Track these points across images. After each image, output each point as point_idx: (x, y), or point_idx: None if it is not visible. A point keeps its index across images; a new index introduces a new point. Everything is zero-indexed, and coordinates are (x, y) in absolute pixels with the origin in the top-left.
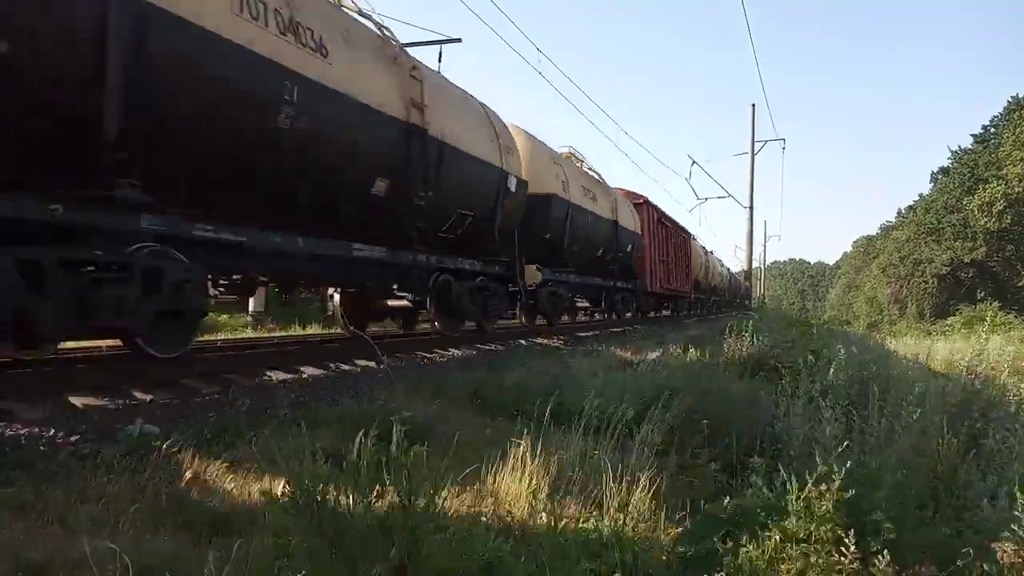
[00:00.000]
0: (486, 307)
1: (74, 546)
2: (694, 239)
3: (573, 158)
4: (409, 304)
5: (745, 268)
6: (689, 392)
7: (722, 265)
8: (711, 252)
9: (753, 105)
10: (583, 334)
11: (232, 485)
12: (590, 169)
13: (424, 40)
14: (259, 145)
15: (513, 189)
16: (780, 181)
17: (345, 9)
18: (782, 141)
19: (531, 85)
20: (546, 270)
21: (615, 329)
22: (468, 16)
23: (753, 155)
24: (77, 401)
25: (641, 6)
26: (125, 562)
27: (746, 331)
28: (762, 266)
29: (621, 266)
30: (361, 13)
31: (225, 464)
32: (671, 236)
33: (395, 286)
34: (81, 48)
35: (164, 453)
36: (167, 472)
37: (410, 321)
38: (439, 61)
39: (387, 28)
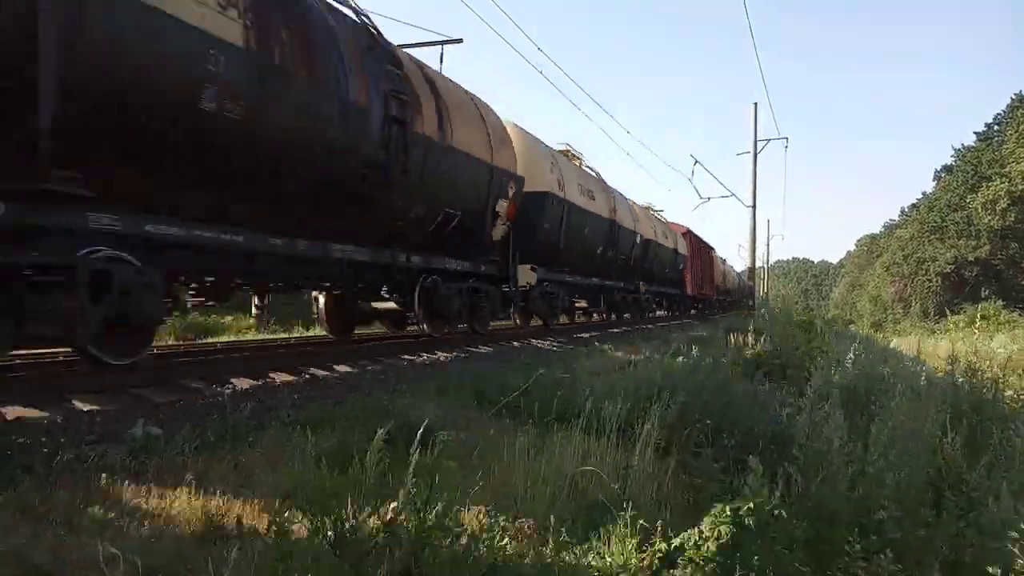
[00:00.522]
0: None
1: (79, 548)
2: (714, 252)
3: (570, 155)
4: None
5: (748, 267)
6: (691, 392)
7: (734, 270)
8: (725, 261)
9: (755, 104)
10: (582, 335)
11: (235, 487)
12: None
13: (426, 41)
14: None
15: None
16: (783, 180)
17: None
18: (785, 140)
19: (532, 85)
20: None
21: (615, 330)
22: (468, 16)
23: (755, 154)
24: (81, 404)
25: (642, 5)
26: (132, 564)
27: (749, 332)
28: (765, 265)
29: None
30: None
31: (228, 466)
32: (702, 253)
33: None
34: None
35: (167, 455)
36: (171, 473)
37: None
38: (440, 62)
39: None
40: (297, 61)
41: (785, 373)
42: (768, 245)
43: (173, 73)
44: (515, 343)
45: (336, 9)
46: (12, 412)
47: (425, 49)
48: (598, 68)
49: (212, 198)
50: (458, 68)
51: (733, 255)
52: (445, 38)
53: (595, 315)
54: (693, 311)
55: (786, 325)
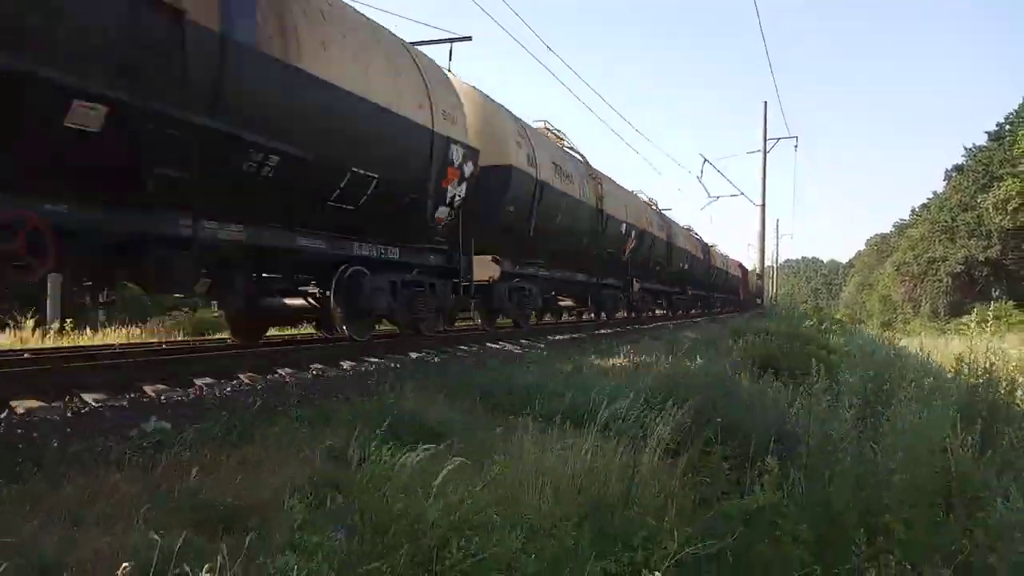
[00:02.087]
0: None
1: (87, 541)
2: (743, 266)
3: (548, 133)
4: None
5: (757, 267)
6: (700, 392)
7: (756, 276)
8: (752, 270)
9: (765, 103)
10: (554, 337)
11: (243, 481)
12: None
13: (435, 39)
14: None
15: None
16: (793, 179)
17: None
18: (795, 139)
19: (540, 83)
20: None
21: (604, 331)
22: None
23: (765, 153)
24: (89, 398)
25: (651, 4)
26: (140, 557)
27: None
28: (775, 264)
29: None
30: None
31: (236, 461)
32: (744, 271)
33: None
34: None
35: (176, 449)
36: (179, 468)
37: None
38: (449, 59)
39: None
40: None
41: (793, 372)
42: (777, 244)
43: None
44: (463, 347)
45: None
46: (20, 405)
47: (434, 47)
48: (608, 68)
49: None
50: (467, 66)
51: (742, 254)
52: (454, 36)
53: (584, 315)
54: (693, 311)
55: (795, 324)
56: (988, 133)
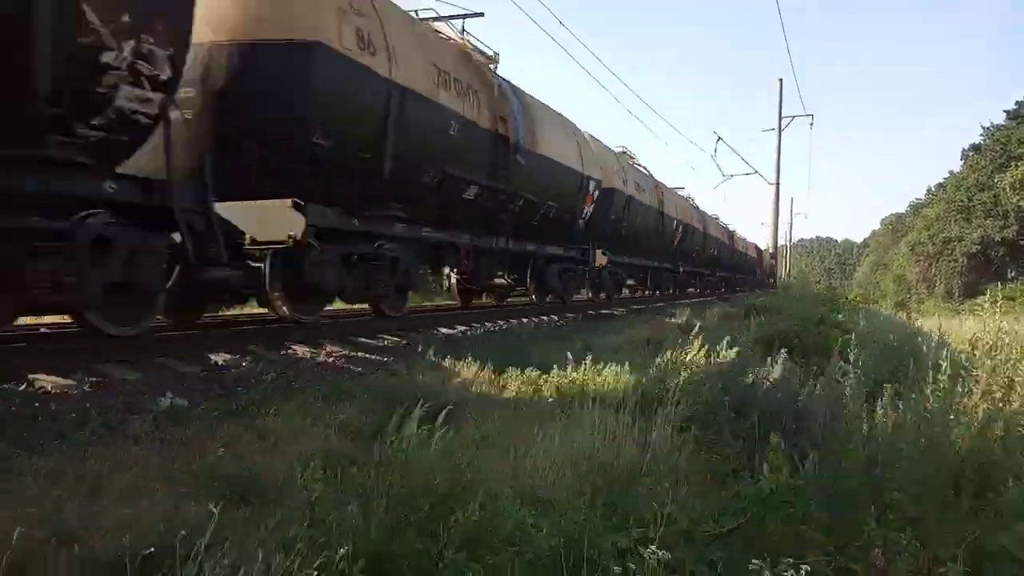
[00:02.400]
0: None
1: (107, 514)
2: (758, 248)
3: (627, 156)
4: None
5: (771, 246)
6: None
7: (770, 255)
8: (765, 249)
9: (780, 80)
10: (637, 307)
11: (260, 456)
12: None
13: (447, 15)
14: None
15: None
16: (808, 158)
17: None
18: (810, 117)
19: (553, 60)
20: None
21: (659, 304)
22: None
23: (780, 131)
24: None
25: None
26: (158, 528)
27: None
28: (788, 244)
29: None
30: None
31: (253, 436)
32: (759, 252)
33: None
34: None
35: (194, 424)
36: (197, 442)
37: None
38: (462, 34)
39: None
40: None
41: (805, 351)
42: (791, 223)
43: None
44: (591, 312)
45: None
46: (41, 380)
47: (446, 24)
48: (622, 43)
49: None
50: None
51: (755, 233)
52: (467, 12)
53: (639, 292)
54: (721, 288)
55: (808, 304)
56: (1007, 112)
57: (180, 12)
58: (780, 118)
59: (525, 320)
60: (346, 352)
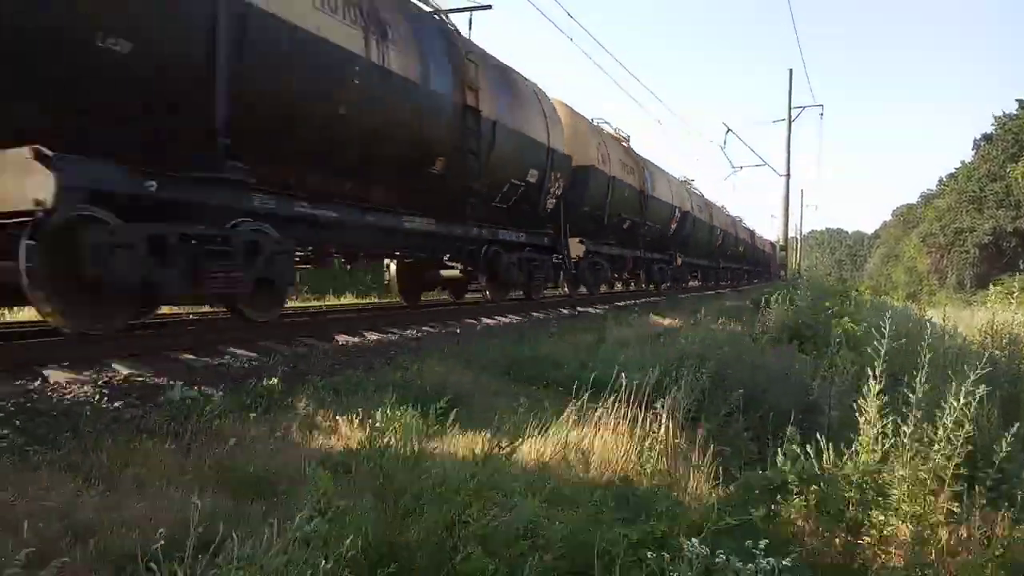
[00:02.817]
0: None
1: (120, 506)
2: (773, 243)
3: (608, 129)
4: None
5: (781, 238)
6: (722, 361)
7: (780, 248)
8: (775, 241)
9: (790, 70)
10: (621, 304)
11: (272, 448)
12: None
13: (454, 8)
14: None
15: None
16: (818, 148)
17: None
18: (820, 107)
19: (562, 51)
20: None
21: (654, 299)
22: None
23: (790, 122)
24: (120, 367)
25: None
26: (169, 521)
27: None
28: (799, 236)
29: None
30: (435, 11)
31: (265, 428)
32: (773, 247)
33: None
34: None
35: (205, 416)
36: (209, 435)
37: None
38: (469, 28)
39: (451, 22)
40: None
41: (816, 343)
42: (801, 215)
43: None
44: (563, 310)
45: (425, 13)
46: (54, 376)
47: (454, 16)
48: (628, 34)
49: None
50: (489, 34)
51: (765, 225)
52: (474, 4)
53: (632, 284)
54: (724, 282)
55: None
56: (1019, 101)
57: (569, 163)
58: (790, 109)
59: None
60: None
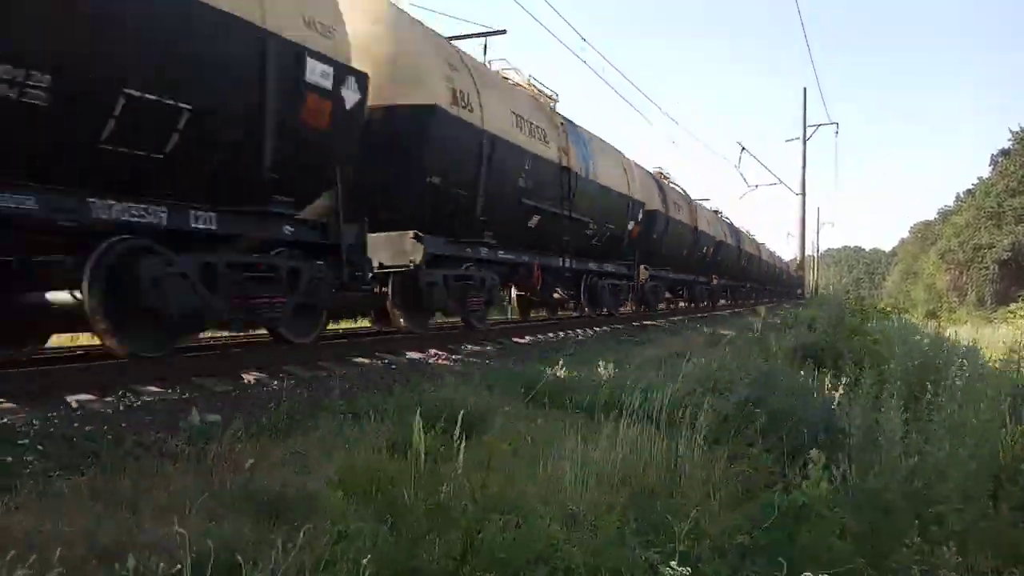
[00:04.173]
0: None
1: (144, 531)
2: (790, 262)
3: (663, 176)
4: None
5: (798, 256)
6: (741, 381)
7: (797, 267)
8: (792, 259)
9: (804, 89)
10: (674, 318)
11: (292, 473)
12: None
13: (470, 33)
14: None
15: (635, 209)
16: (834, 166)
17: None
18: (835, 126)
19: (575, 73)
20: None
21: (699, 315)
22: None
23: (805, 140)
24: (143, 392)
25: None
26: (194, 546)
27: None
28: (815, 254)
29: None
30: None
31: (285, 453)
32: (790, 267)
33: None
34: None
35: (226, 441)
36: (230, 459)
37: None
38: (484, 53)
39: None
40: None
41: (836, 362)
42: (818, 233)
43: None
44: (634, 323)
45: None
46: (78, 401)
47: (469, 41)
48: (643, 56)
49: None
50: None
51: (781, 243)
52: (489, 29)
53: (678, 303)
54: (752, 299)
55: (837, 314)
56: None
57: (643, 208)
58: (805, 127)
59: (580, 331)
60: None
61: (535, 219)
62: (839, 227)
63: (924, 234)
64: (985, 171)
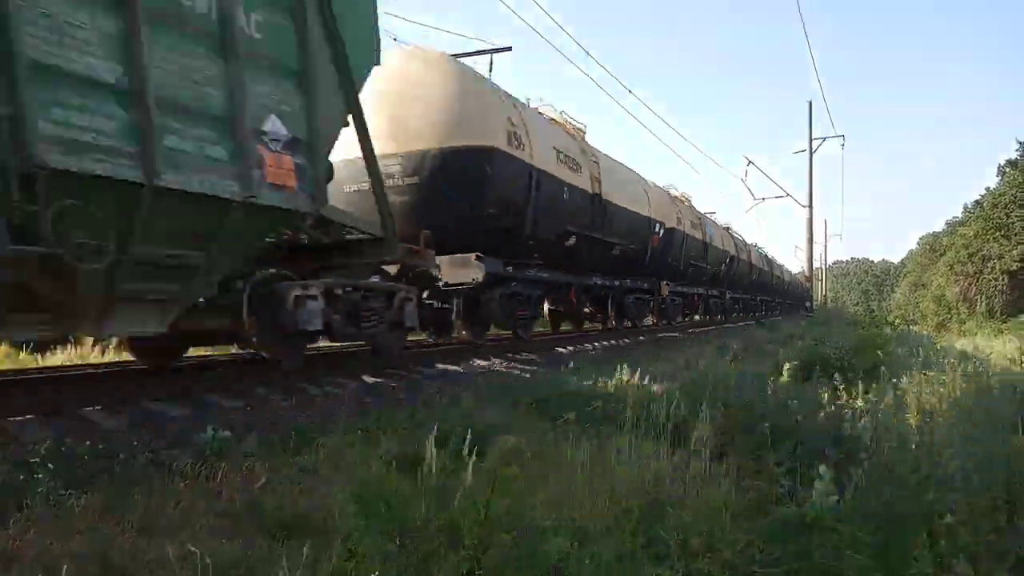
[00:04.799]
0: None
1: (155, 548)
2: (798, 275)
3: (680, 196)
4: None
5: (805, 269)
6: (749, 395)
7: (804, 279)
8: (799, 272)
9: (810, 102)
10: (694, 330)
11: (302, 490)
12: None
13: (476, 50)
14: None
15: (656, 230)
16: (840, 178)
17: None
18: (841, 138)
19: (580, 87)
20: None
21: (711, 328)
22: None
23: (811, 153)
24: (156, 409)
25: (692, 4)
26: (204, 564)
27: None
28: (823, 266)
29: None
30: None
31: (296, 470)
32: (799, 280)
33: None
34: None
35: (237, 459)
36: (240, 477)
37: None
38: (490, 70)
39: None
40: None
41: (847, 375)
42: (825, 246)
43: None
44: (658, 336)
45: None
46: (91, 417)
47: (475, 59)
48: (647, 67)
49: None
50: (507, 75)
51: (789, 256)
52: (494, 46)
53: (694, 316)
54: (762, 312)
55: (846, 327)
56: None
57: (662, 227)
58: (811, 140)
59: (613, 342)
60: (508, 363)
61: (572, 240)
62: (847, 239)
63: (932, 246)
64: (993, 182)
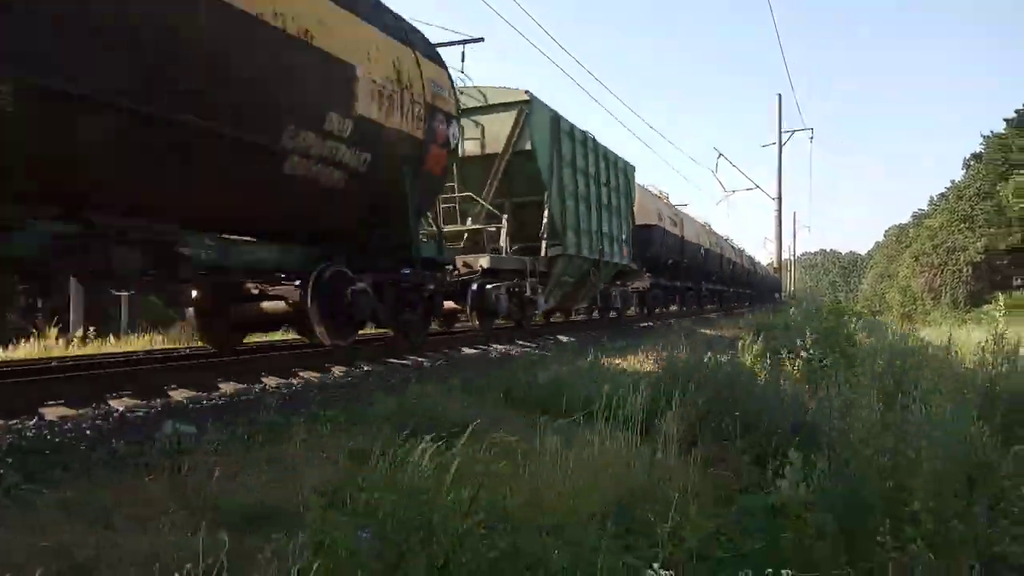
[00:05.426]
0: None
1: (117, 544)
2: (768, 270)
3: (659, 194)
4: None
5: (775, 261)
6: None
7: (774, 270)
8: (768, 263)
9: (779, 95)
10: (669, 320)
11: (267, 483)
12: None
13: (448, 41)
14: None
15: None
16: (809, 171)
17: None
18: (810, 131)
19: (552, 78)
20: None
21: (685, 320)
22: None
23: (780, 146)
24: (117, 404)
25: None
26: (165, 560)
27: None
28: (792, 258)
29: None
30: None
31: (260, 463)
32: (770, 272)
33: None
34: None
35: (200, 452)
36: (204, 471)
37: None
38: (462, 61)
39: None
40: None
41: (815, 365)
42: (794, 237)
43: None
44: (641, 324)
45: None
46: (52, 411)
47: (447, 49)
48: (619, 61)
49: None
50: (480, 66)
51: (759, 248)
52: (466, 37)
53: (671, 307)
54: (733, 303)
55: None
56: (1007, 120)
57: (636, 224)
58: (780, 133)
59: (596, 332)
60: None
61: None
62: (815, 231)
63: (899, 237)
64: (959, 175)
